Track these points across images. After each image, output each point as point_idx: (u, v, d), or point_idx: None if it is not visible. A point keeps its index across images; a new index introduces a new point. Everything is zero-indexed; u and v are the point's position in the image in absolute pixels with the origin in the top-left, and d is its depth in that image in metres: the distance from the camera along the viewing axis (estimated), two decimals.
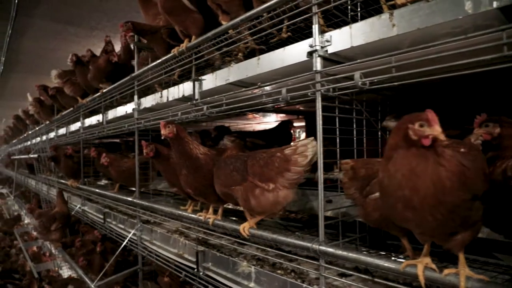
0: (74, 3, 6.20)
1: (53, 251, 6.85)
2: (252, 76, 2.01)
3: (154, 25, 2.96)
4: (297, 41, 1.83)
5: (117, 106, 3.64)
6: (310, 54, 1.67)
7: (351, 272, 1.71)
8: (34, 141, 8.35)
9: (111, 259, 3.63)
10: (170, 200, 3.53)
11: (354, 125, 1.93)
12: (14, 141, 12.23)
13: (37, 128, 7.48)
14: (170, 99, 2.70)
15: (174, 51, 2.51)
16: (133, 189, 3.96)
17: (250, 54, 2.19)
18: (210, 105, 2.23)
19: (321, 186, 1.63)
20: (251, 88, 2.02)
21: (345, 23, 1.65)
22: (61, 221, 4.36)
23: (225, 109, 2.14)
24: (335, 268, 1.77)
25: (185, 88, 2.53)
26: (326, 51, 1.65)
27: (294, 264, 1.98)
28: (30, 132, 8.45)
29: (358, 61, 1.52)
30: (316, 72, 1.65)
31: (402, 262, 1.39)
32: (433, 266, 1.31)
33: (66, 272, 6.67)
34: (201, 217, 2.27)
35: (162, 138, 2.06)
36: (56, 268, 7.00)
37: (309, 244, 1.67)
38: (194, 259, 2.48)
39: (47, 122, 6.32)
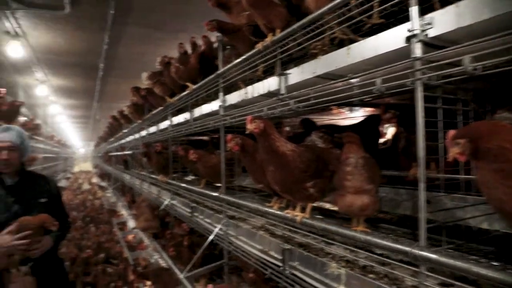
0: (160, 9, 6.57)
1: (146, 241, 7.34)
2: (341, 67, 1.90)
3: (237, 23, 2.97)
4: (389, 27, 1.69)
5: (203, 104, 3.74)
6: (408, 39, 1.52)
7: (452, 281, 1.53)
8: (127, 139, 9.01)
9: (199, 252, 3.74)
10: (255, 197, 3.53)
11: (460, 117, 1.72)
12: (111, 139, 13.34)
13: (130, 127, 8.04)
14: (255, 95, 2.68)
15: (259, 46, 2.48)
16: (219, 184, 4.06)
17: (337, 45, 2.09)
18: (297, 99, 2.16)
19: (422, 185, 1.48)
20: (341, 80, 1.91)
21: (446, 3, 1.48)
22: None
23: (313, 103, 2.06)
24: (435, 276, 1.59)
25: (270, 83, 2.49)
26: (427, 35, 1.49)
27: (387, 269, 1.83)
28: (124, 131, 9.12)
29: (471, 42, 1.33)
30: (416, 59, 1.49)
31: None
32: None
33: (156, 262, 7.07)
34: (288, 215, 2.22)
35: (247, 133, 2.04)
36: (148, 257, 7.46)
37: (407, 248, 1.52)
38: (280, 257, 2.43)
39: (139, 121, 6.75)
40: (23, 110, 8.84)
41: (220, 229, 3.21)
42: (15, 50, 7.87)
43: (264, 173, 2.37)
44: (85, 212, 12.49)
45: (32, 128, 11.34)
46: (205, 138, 5.45)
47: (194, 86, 3.69)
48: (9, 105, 7.35)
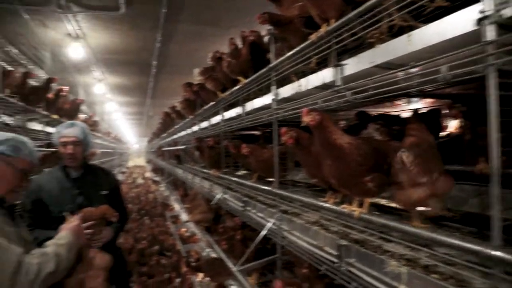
0: (211, 5, 6.66)
1: (198, 234, 7.51)
2: (401, 56, 1.81)
3: (288, 15, 2.92)
4: (453, 11, 1.58)
5: (254, 98, 3.74)
6: (479, 21, 1.41)
7: None
8: (179, 134, 9.25)
9: (252, 246, 3.76)
10: (307, 191, 3.49)
11: None
12: (163, 135, 13.77)
13: (182, 123, 8.23)
14: (310, 87, 2.63)
15: (312, 37, 2.43)
16: (271, 179, 4.04)
17: (396, 33, 1.99)
18: (353, 90, 2.09)
19: (496, 179, 1.37)
20: (402, 69, 1.81)
21: None
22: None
23: (371, 94, 1.98)
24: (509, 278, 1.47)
25: (325, 75, 2.42)
26: (501, 15, 1.37)
27: (453, 269, 1.73)
28: (176, 127, 9.36)
29: None
30: (488, 42, 1.38)
31: None
32: None
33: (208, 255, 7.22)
34: (345, 210, 2.16)
35: (303, 126, 2.00)
36: (200, 250, 7.64)
37: (479, 248, 1.42)
38: (335, 253, 2.38)
39: (191, 116, 6.89)
40: (82, 107, 9.35)
41: (273, 223, 3.20)
42: (76, 51, 8.34)
43: (319, 167, 2.31)
44: (140, 205, 13.03)
45: (91, 124, 11.97)
46: (256, 132, 5.46)
47: (246, 80, 3.70)
48: (71, 103, 7.79)
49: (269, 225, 3.23)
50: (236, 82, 4.04)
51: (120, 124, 28.24)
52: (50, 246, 1.97)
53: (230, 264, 3.75)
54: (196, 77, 4.88)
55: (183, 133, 8.39)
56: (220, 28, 7.46)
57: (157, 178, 18.28)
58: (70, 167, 2.96)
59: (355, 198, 2.15)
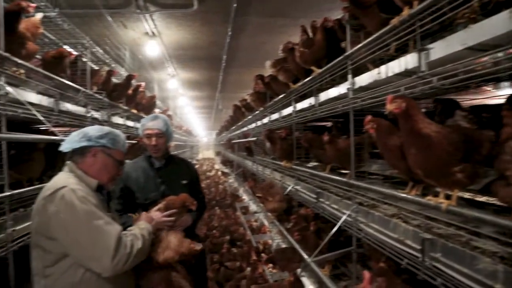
0: None
1: (267, 225, 7.61)
2: (500, 35, 1.66)
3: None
4: None
5: (329, 88, 3.67)
6: None
7: None
8: (249, 126, 9.39)
9: (325, 238, 3.73)
10: (383, 183, 3.37)
11: None
12: (233, 127, 14.08)
13: (252, 115, 8.35)
14: (390, 74, 2.52)
15: (394, 21, 2.32)
16: (343, 171, 3.97)
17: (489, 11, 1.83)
18: (441, 76, 1.96)
19: None
20: (501, 50, 1.67)
21: None
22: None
23: (461, 79, 1.85)
24: None
25: (408, 60, 2.31)
26: None
27: None
28: (246, 119, 9.52)
29: None
30: None
31: None
32: None
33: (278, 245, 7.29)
34: (431, 202, 2.05)
35: (387, 113, 1.93)
36: (270, 241, 7.73)
37: None
38: (418, 247, 2.28)
39: (261, 109, 6.96)
40: (157, 102, 9.84)
41: (349, 215, 3.14)
42: (152, 49, 8.80)
43: (401, 157, 2.23)
44: (210, 196, 13.48)
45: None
46: (326, 124, 5.39)
47: (319, 70, 3.64)
48: (148, 99, 8.25)
49: (344, 217, 3.17)
50: (308, 72, 4.00)
51: (190, 118, 29.36)
52: (135, 229, 2.14)
53: (304, 254, 3.75)
54: (268, 69, 4.91)
55: (253, 125, 8.51)
56: (289, 19, 7.42)
57: (226, 170, 18.78)
58: (154, 158, 3.13)
59: (442, 190, 2.04)
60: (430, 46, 2.08)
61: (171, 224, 2.72)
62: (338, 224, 3.22)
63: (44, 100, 3.82)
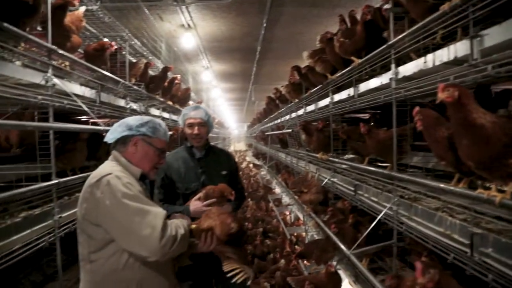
0: None
1: (302, 217, 7.59)
2: None
3: None
4: None
5: (369, 79, 3.59)
6: None
7: None
8: (283, 118, 9.34)
9: (362, 231, 3.68)
10: (425, 176, 3.27)
11: None
12: (265, 120, 14.06)
13: (286, 107, 8.30)
14: (437, 63, 2.43)
15: (444, 7, 2.23)
16: (381, 164, 3.89)
17: None
18: (496, 63, 1.87)
19: None
20: None
21: None
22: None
23: None
24: None
25: (458, 48, 2.21)
26: None
27: None
28: (280, 111, 9.47)
29: None
30: None
31: None
32: None
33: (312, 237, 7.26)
34: (483, 195, 1.97)
35: (437, 102, 1.85)
36: (304, 234, 7.72)
37: None
38: (466, 242, 2.20)
39: (296, 100, 6.90)
40: (191, 94, 9.96)
41: (390, 208, 3.07)
42: (188, 41, 8.89)
43: (449, 149, 2.15)
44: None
45: None
46: (364, 115, 5.29)
47: (360, 60, 3.56)
48: (183, 91, 8.37)
49: (385, 209, 3.11)
50: (347, 63, 3.93)
51: (222, 110, 29.56)
52: (175, 220, 2.16)
53: (343, 247, 3.71)
54: (306, 60, 4.84)
55: (287, 117, 8.46)
56: (325, 8, 7.30)
57: (258, 162, 18.84)
58: (195, 148, 3.18)
59: (495, 183, 1.95)
60: (485, 32, 1.98)
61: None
62: (379, 216, 3.16)
63: (87, 92, 3.94)
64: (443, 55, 2.37)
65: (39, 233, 2.93)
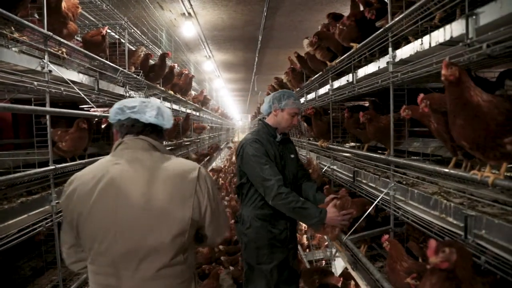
0: None
1: None
2: None
3: None
4: None
5: (367, 64, 3.56)
6: None
7: None
8: None
9: (363, 216, 3.66)
10: (423, 162, 3.25)
11: None
12: None
13: None
14: (433, 44, 2.39)
15: None
16: (381, 152, 3.86)
17: None
18: (492, 41, 1.83)
19: None
20: None
21: None
22: None
23: None
24: None
25: (454, 28, 2.18)
26: None
27: None
28: None
29: None
30: None
31: None
32: None
33: None
34: (476, 176, 1.95)
35: (443, 79, 1.82)
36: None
37: None
38: (460, 224, 2.19)
39: (297, 88, 6.86)
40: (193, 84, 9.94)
41: (387, 193, 3.06)
42: (188, 30, 8.83)
43: (447, 128, 2.13)
44: None
45: (204, 101, 12.68)
46: (364, 103, 5.26)
47: (358, 45, 3.52)
48: (184, 79, 8.37)
49: (382, 195, 3.10)
50: (346, 50, 3.90)
51: (226, 100, 29.50)
52: None
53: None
54: (306, 48, 4.79)
55: None
56: None
57: None
58: (278, 132, 3.30)
59: (490, 163, 1.93)
60: (480, 10, 1.94)
61: (343, 226, 3.04)
62: (376, 201, 3.15)
63: (85, 79, 3.93)
64: (439, 36, 2.34)
65: (36, 218, 2.95)
